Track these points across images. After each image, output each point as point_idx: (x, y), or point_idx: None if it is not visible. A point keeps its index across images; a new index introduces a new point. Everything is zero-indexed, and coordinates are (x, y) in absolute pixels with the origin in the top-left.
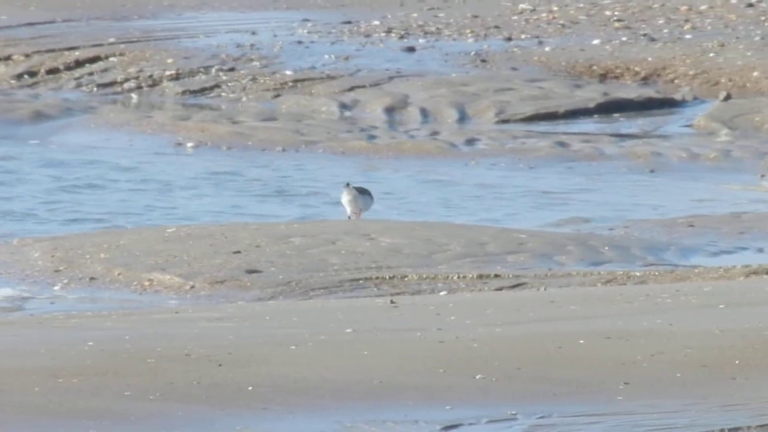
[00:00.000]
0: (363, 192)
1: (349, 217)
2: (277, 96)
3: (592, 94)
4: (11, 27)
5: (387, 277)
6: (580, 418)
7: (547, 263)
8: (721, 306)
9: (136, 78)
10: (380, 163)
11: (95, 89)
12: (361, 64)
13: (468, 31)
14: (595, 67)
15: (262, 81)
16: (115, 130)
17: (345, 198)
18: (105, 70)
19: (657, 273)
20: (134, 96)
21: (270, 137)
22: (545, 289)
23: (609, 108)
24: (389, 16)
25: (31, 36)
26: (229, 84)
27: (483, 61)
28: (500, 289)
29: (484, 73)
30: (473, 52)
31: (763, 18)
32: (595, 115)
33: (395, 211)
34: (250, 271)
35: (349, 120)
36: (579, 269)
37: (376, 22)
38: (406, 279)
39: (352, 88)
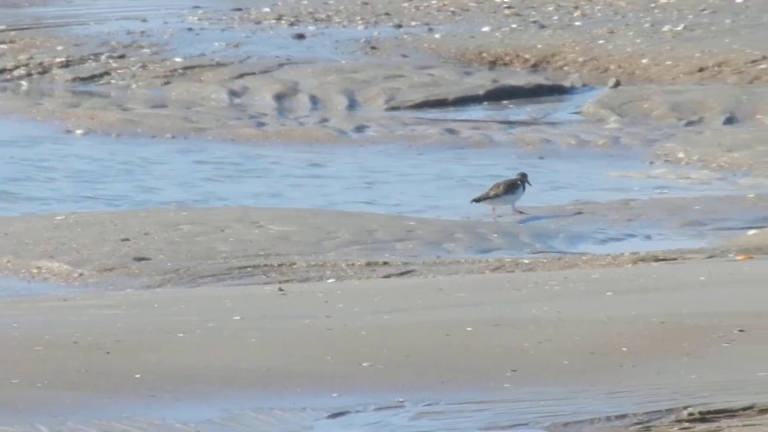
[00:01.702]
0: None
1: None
2: (167, 83)
3: (481, 81)
4: None
5: (275, 265)
6: (467, 406)
7: (435, 251)
8: (608, 293)
9: (26, 65)
10: (269, 150)
11: None
12: (251, 51)
13: (358, 18)
14: (485, 54)
15: (152, 68)
16: (5, 118)
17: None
18: None
19: (545, 260)
20: (24, 83)
21: (160, 124)
22: (434, 277)
23: (499, 95)
24: (279, 3)
25: None
26: (119, 71)
27: (373, 48)
28: (389, 276)
29: (374, 60)
30: (363, 39)
31: (652, 5)
32: (485, 102)
33: (284, 199)
34: (139, 259)
35: (239, 107)
36: (467, 257)
37: (267, 9)
38: (294, 266)
39: (241, 75)
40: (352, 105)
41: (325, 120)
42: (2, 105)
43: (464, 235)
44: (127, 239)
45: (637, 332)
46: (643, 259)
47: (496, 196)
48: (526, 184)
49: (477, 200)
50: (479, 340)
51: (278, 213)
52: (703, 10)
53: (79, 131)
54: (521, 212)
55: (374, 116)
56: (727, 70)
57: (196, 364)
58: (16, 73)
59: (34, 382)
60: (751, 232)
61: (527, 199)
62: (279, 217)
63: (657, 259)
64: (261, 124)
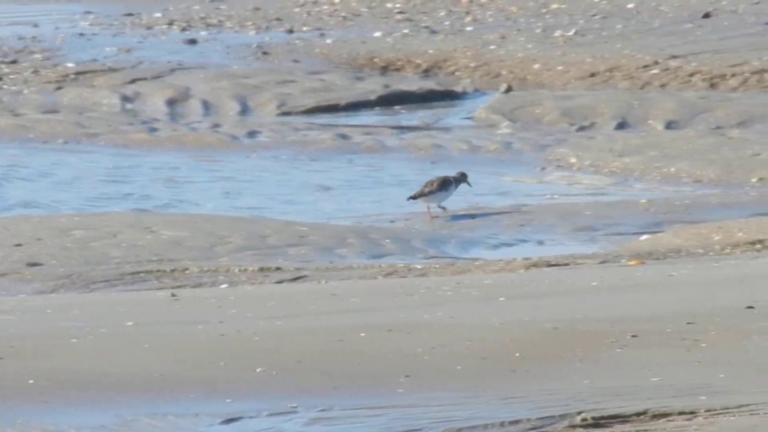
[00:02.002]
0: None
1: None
2: (59, 88)
3: (373, 86)
4: None
5: (168, 270)
6: (360, 411)
7: (328, 256)
8: (501, 298)
9: None
10: (161, 155)
11: None
12: (143, 56)
13: (250, 23)
14: (376, 60)
15: (43, 73)
16: None
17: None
18: None
19: (438, 265)
20: None
21: (51, 130)
22: (326, 282)
23: (390, 100)
24: (171, 8)
25: None
26: (11, 76)
27: (265, 53)
28: (282, 281)
29: (265, 65)
30: (255, 45)
31: (544, 10)
32: (377, 108)
33: (176, 204)
34: (32, 264)
35: (131, 112)
36: (360, 262)
37: (158, 15)
38: (187, 272)
39: (133, 81)
40: (244, 110)
41: (217, 125)
42: None
43: (357, 241)
44: (20, 244)
45: (530, 337)
46: (535, 265)
47: (431, 192)
48: (464, 184)
49: (413, 198)
50: (372, 345)
51: (171, 218)
52: (594, 15)
53: None
54: (442, 210)
55: (266, 121)
56: (618, 76)
57: (89, 370)
58: None
59: None
60: (643, 237)
61: (420, 204)
62: (171, 223)
63: (549, 265)
64: (153, 130)
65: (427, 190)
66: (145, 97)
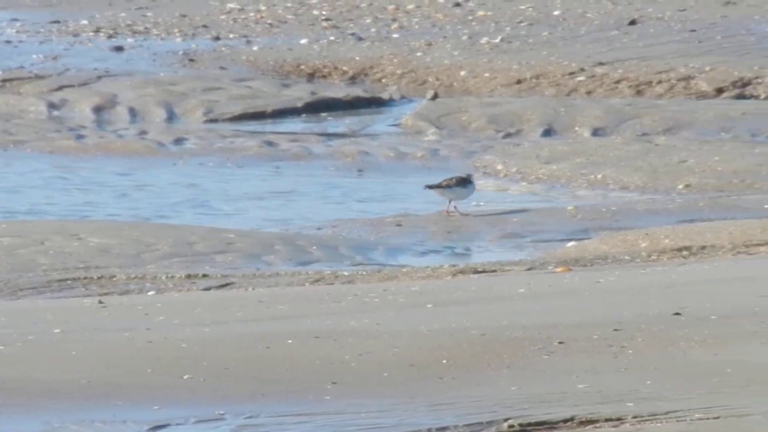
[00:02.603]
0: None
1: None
2: None
3: (300, 93)
4: None
5: (95, 277)
6: (287, 418)
7: (255, 263)
8: (428, 305)
9: None
10: (88, 162)
11: None
12: (70, 63)
13: (176, 30)
14: (303, 67)
15: None
16: None
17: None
18: None
19: (365, 272)
20: None
21: None
22: (254, 289)
23: (317, 107)
24: (98, 16)
25: None
26: None
27: (191, 60)
28: (209, 288)
29: (192, 72)
30: (181, 52)
31: (470, 17)
32: (303, 115)
33: (103, 211)
34: None
35: (58, 119)
36: (287, 269)
37: (85, 22)
38: (114, 279)
39: (60, 88)
40: (171, 117)
41: (144, 132)
42: None
43: (284, 248)
44: None
45: (457, 344)
46: (462, 272)
47: (448, 186)
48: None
49: (430, 187)
50: (299, 352)
51: (98, 225)
52: (521, 22)
53: None
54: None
55: (193, 128)
56: (544, 83)
57: (16, 377)
58: None
59: None
60: (570, 244)
61: (347, 210)
62: (98, 230)
63: (476, 271)
64: (80, 137)
65: (445, 183)
66: (72, 104)
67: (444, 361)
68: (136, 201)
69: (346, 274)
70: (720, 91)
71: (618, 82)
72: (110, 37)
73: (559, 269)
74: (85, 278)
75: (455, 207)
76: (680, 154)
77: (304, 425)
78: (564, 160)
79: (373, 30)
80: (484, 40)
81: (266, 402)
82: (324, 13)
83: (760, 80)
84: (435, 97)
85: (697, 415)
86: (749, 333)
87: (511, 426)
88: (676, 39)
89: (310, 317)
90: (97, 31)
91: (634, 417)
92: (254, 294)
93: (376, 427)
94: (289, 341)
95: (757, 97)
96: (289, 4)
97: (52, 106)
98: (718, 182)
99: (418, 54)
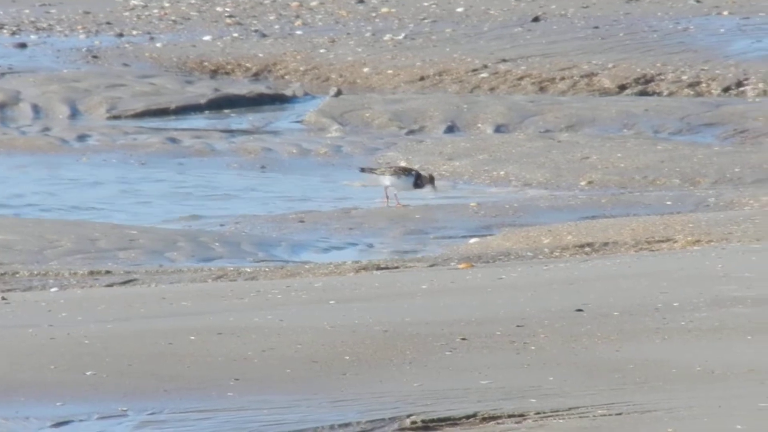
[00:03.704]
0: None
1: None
2: None
3: (203, 90)
4: None
5: None
6: (190, 414)
7: (158, 259)
8: (331, 302)
9: None
10: None
11: None
12: None
13: (80, 27)
14: (206, 63)
15: None
16: None
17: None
18: None
19: (268, 269)
20: None
21: None
22: (156, 286)
23: (220, 104)
24: (1, 12)
25: None
26: None
27: (94, 57)
28: (111, 285)
29: (95, 69)
30: (85, 49)
31: (373, 14)
32: (207, 111)
33: (5, 207)
34: None
35: None
36: (190, 265)
37: None
38: (17, 275)
39: None
40: (74, 114)
41: (47, 129)
42: None
43: (186, 244)
44: None
45: (359, 340)
46: (365, 268)
47: (381, 173)
48: (429, 186)
49: (362, 169)
50: (202, 348)
51: (0, 222)
52: (424, 19)
53: None
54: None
55: (96, 125)
56: (447, 79)
57: None
58: None
59: None
60: (473, 240)
61: (250, 207)
62: (1, 226)
63: (379, 268)
64: None
65: (379, 170)
66: None
67: (347, 358)
68: (39, 197)
69: (248, 270)
70: (622, 87)
71: (521, 78)
72: (14, 33)
73: (461, 266)
74: None
75: (394, 197)
76: (583, 151)
77: (207, 421)
78: (467, 156)
79: (276, 27)
80: (387, 36)
81: (169, 398)
82: (227, 9)
83: (662, 77)
84: (338, 93)
85: (599, 411)
86: (651, 329)
87: (413, 422)
88: (579, 36)
89: (213, 314)
90: (1, 27)
91: (537, 413)
92: (157, 290)
93: (279, 423)
94: (192, 337)
95: (659, 94)
96: (193, 1)
97: None
98: (620, 179)
99: (322, 51)
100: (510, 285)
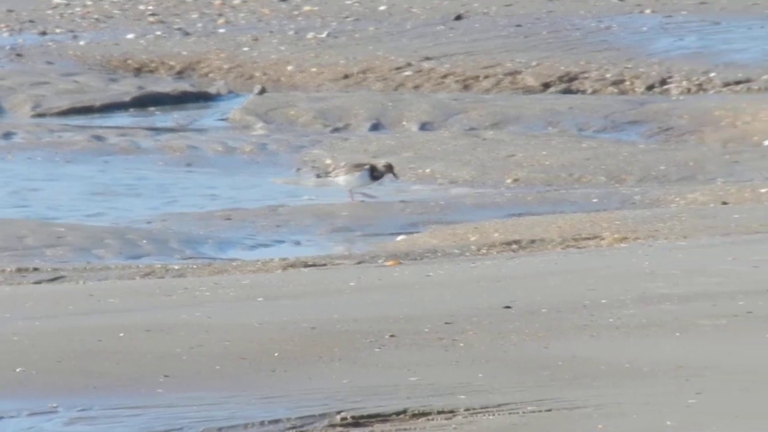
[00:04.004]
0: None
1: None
2: None
3: (127, 87)
4: None
5: None
6: (120, 411)
7: (85, 256)
8: (259, 299)
9: None
10: None
11: None
12: None
13: (2, 25)
14: (130, 61)
15: None
16: None
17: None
18: None
19: (195, 266)
20: None
21: None
22: (84, 283)
23: (145, 102)
24: None
25: None
26: None
27: (18, 55)
28: (39, 282)
29: (19, 67)
30: (8, 47)
31: (296, 12)
32: (131, 109)
33: None
34: None
35: None
36: (118, 262)
37: None
38: None
39: None
40: None
41: None
42: None
43: (114, 241)
44: None
45: (288, 337)
46: (292, 265)
47: (336, 176)
48: (390, 175)
49: (318, 176)
50: (131, 345)
51: None
52: (347, 17)
53: None
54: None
55: (21, 123)
56: (371, 77)
57: None
58: None
59: None
60: (400, 237)
61: (177, 204)
62: None
63: (307, 265)
64: None
65: (333, 173)
66: None
67: (276, 354)
68: None
69: (176, 267)
70: (546, 86)
71: (445, 76)
72: None
73: (389, 263)
74: None
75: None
76: (508, 149)
77: (136, 418)
78: (392, 154)
79: (199, 25)
80: (310, 35)
81: (99, 395)
82: (150, 8)
83: (586, 75)
84: (262, 91)
85: (529, 408)
86: (579, 326)
87: (343, 418)
88: (502, 34)
89: (141, 311)
90: None
91: (467, 409)
92: (85, 287)
93: (209, 419)
94: (121, 334)
95: (583, 92)
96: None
97: None
98: (546, 176)
99: (245, 49)
100: (438, 282)
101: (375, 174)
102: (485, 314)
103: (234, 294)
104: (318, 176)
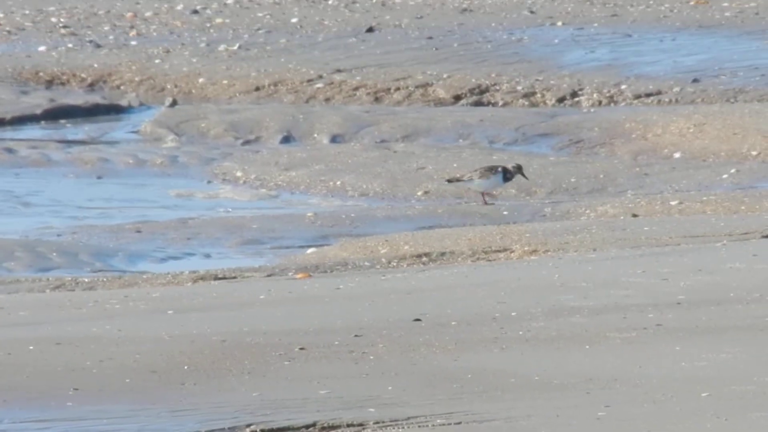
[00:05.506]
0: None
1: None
2: None
3: (39, 100)
4: None
5: None
6: (30, 424)
7: None
8: (169, 311)
9: None
10: None
11: None
12: None
13: None
14: (41, 74)
15: None
16: None
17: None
18: None
19: (105, 279)
20: None
21: None
22: None
23: (56, 114)
24: None
25: None
26: None
27: None
28: None
29: None
30: None
31: (208, 25)
32: (43, 122)
33: None
34: None
35: None
36: (28, 275)
37: None
38: None
39: None
40: None
41: None
42: None
43: (24, 254)
44: None
45: (198, 350)
46: (203, 278)
47: (470, 179)
48: (519, 175)
49: (449, 180)
50: (41, 358)
51: None
52: (259, 29)
53: None
54: (490, 198)
55: None
56: (283, 89)
57: None
58: None
59: None
60: (310, 250)
61: (88, 217)
62: None
63: (217, 278)
64: None
65: (467, 176)
66: None
67: (185, 367)
68: None
69: (86, 280)
70: (457, 98)
71: (356, 89)
72: None
73: (299, 276)
74: None
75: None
76: (419, 161)
77: (46, 431)
78: (303, 166)
79: (111, 37)
80: (222, 47)
81: (9, 408)
82: (62, 20)
83: (497, 87)
84: (174, 104)
85: (438, 421)
86: (489, 339)
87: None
88: (413, 46)
89: (51, 324)
90: None
91: (376, 422)
92: None
93: None
94: (31, 347)
95: (494, 104)
96: (27, 11)
97: None
98: (456, 189)
99: (157, 61)
100: (348, 295)
101: (508, 176)
102: (395, 327)
103: (144, 307)
104: (449, 181)
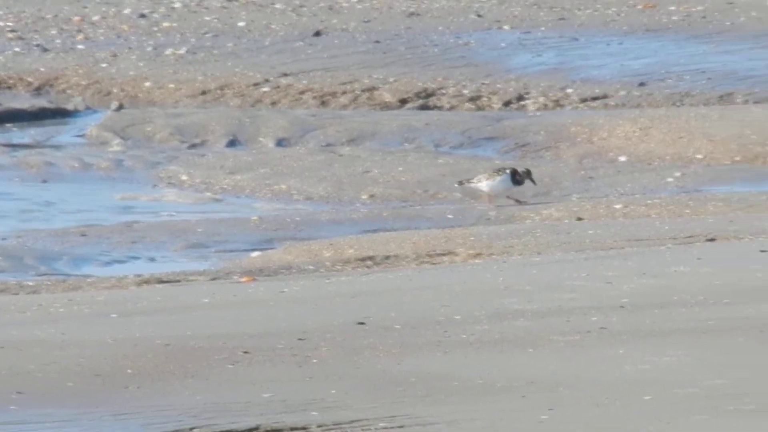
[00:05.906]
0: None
1: None
2: None
3: None
4: None
5: None
6: None
7: None
8: (113, 315)
9: None
10: None
11: None
12: None
13: None
14: None
15: None
16: None
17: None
18: None
19: (50, 283)
20: None
21: None
22: None
23: (2, 118)
24: None
25: None
26: None
27: None
28: None
29: None
30: None
31: (155, 29)
32: None
33: None
34: None
35: None
36: None
37: None
38: None
39: None
40: None
41: None
42: None
43: None
44: None
45: (141, 354)
46: (147, 281)
47: (479, 181)
48: (528, 180)
49: (459, 183)
50: None
51: None
52: (206, 33)
53: None
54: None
55: None
56: (229, 93)
57: None
58: None
59: None
60: (255, 254)
61: (32, 221)
62: None
63: (161, 281)
64: None
65: (475, 179)
66: None
67: (129, 371)
68: None
69: (30, 284)
70: (404, 102)
71: (302, 92)
72: None
73: (243, 279)
74: None
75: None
76: (364, 165)
77: None
78: (248, 170)
79: (58, 41)
80: (169, 51)
81: None
82: (9, 24)
83: (443, 91)
84: (120, 108)
85: (381, 424)
86: (432, 342)
87: None
88: (360, 50)
89: None
90: None
91: (319, 426)
92: None
93: None
94: None
95: (440, 108)
96: None
97: None
98: (402, 192)
99: (103, 65)
100: (292, 298)
101: (517, 178)
102: (339, 330)
103: (88, 311)
104: (460, 183)
